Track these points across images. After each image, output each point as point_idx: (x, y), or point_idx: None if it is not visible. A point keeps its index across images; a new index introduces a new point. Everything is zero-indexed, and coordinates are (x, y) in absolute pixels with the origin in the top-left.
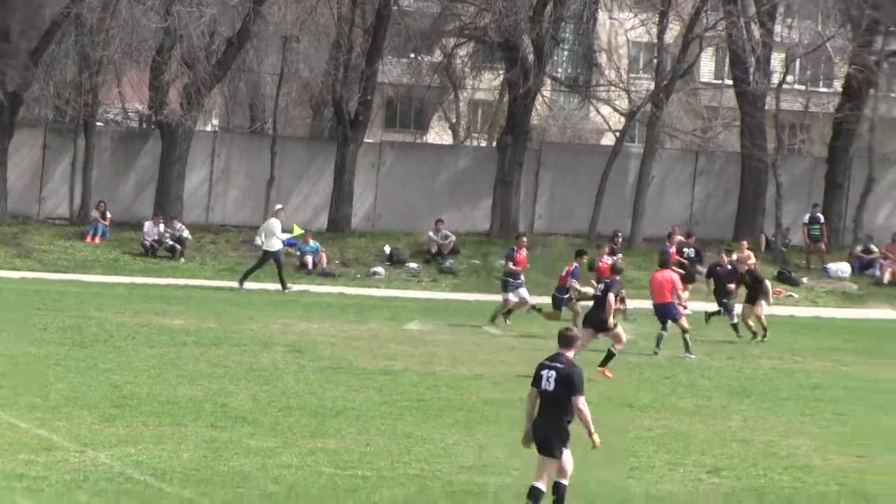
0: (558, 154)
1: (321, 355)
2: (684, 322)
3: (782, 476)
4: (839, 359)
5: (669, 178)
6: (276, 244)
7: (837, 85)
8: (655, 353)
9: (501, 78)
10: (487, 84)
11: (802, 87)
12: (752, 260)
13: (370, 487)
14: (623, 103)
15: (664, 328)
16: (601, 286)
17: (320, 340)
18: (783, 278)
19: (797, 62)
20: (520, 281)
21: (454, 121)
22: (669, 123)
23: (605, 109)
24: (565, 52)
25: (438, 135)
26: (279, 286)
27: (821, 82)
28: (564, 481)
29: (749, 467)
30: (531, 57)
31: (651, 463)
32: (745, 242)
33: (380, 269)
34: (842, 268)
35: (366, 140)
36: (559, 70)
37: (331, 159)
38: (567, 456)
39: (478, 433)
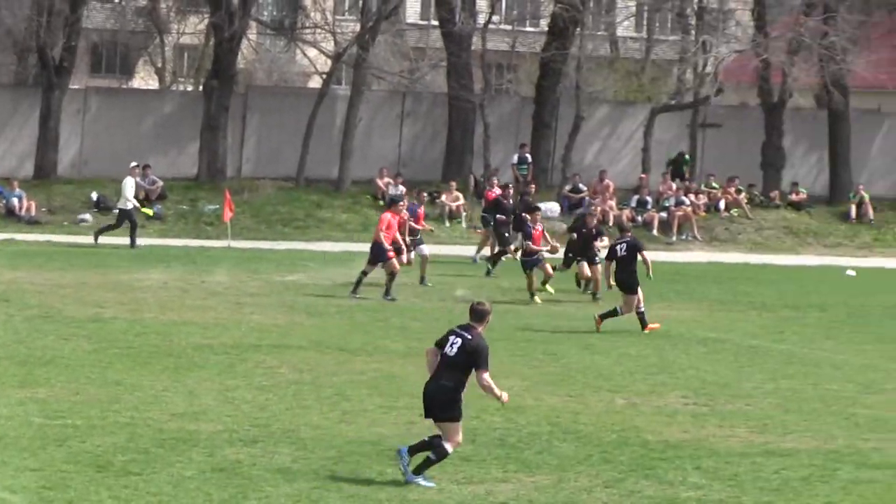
0: (265, 98)
1: (29, 304)
2: (394, 264)
3: (494, 417)
4: (549, 298)
5: (377, 120)
6: (126, 203)
7: (543, 24)
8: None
9: (206, 21)
10: (193, 28)
11: (509, 27)
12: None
13: (80, 436)
14: (329, 45)
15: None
16: (623, 245)
17: (28, 289)
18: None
19: (503, 2)
20: (419, 237)
21: (160, 65)
22: (376, 65)
23: (312, 52)
24: None
25: (144, 80)
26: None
27: (527, 22)
28: (447, 446)
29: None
30: (236, 0)
31: (364, 406)
32: (453, 183)
33: (87, 216)
34: (551, 207)
35: (71, 86)
36: (265, 13)
37: (36, 106)
38: (457, 429)
39: (188, 379)
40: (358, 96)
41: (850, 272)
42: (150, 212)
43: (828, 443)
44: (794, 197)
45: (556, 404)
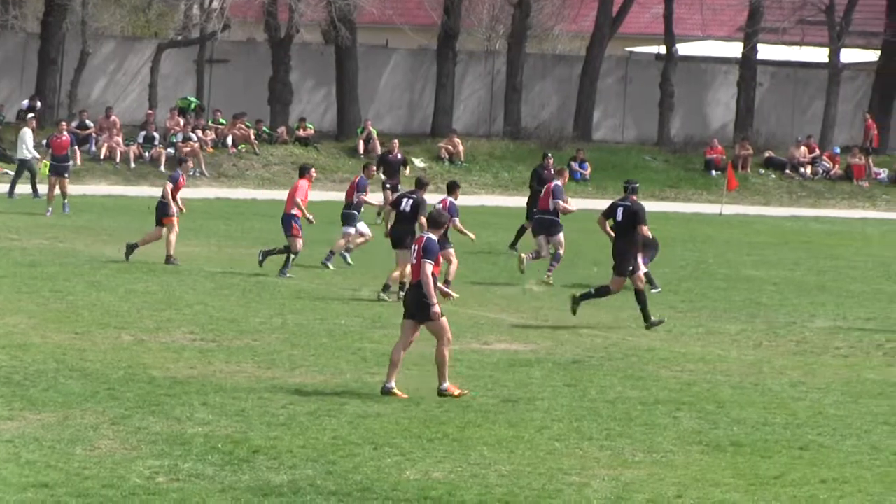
0: None
1: None
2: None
3: (0, 355)
4: (55, 235)
5: None
6: (26, 153)
7: None
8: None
9: None
10: None
11: None
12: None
13: None
14: None
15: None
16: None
17: None
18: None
19: None
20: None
21: None
22: None
23: None
24: None
25: None
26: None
27: None
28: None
29: None
30: None
31: None
32: None
33: None
34: None
35: None
36: None
37: None
38: None
39: None
40: None
41: None
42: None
43: (335, 377)
44: (301, 132)
45: (63, 342)
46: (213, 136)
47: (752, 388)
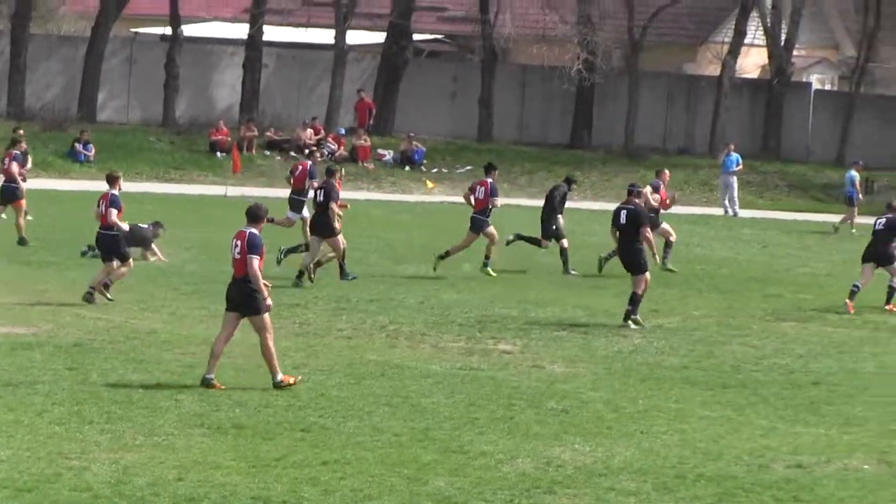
0: None
1: None
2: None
3: None
4: None
5: None
6: None
7: None
8: None
9: None
10: None
11: None
12: None
13: None
14: None
15: None
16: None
17: None
18: None
19: None
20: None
21: None
22: None
23: None
24: None
25: None
26: None
27: None
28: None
29: None
30: None
31: None
32: None
33: None
34: None
35: None
36: None
37: None
38: None
39: None
40: None
41: None
42: None
43: None
44: None
45: None
46: None
47: (254, 371)
